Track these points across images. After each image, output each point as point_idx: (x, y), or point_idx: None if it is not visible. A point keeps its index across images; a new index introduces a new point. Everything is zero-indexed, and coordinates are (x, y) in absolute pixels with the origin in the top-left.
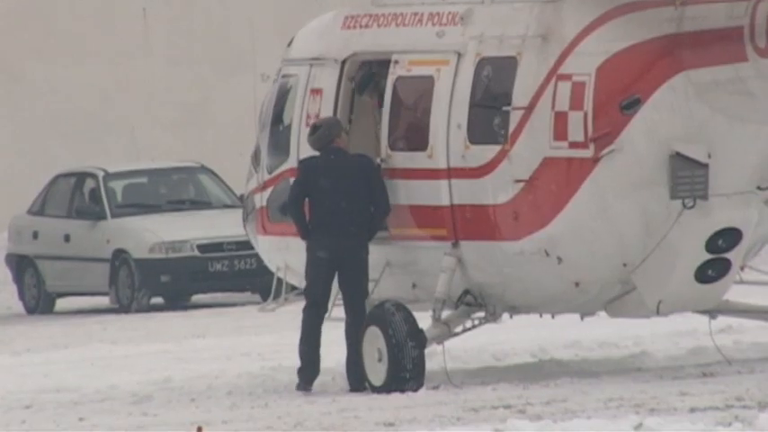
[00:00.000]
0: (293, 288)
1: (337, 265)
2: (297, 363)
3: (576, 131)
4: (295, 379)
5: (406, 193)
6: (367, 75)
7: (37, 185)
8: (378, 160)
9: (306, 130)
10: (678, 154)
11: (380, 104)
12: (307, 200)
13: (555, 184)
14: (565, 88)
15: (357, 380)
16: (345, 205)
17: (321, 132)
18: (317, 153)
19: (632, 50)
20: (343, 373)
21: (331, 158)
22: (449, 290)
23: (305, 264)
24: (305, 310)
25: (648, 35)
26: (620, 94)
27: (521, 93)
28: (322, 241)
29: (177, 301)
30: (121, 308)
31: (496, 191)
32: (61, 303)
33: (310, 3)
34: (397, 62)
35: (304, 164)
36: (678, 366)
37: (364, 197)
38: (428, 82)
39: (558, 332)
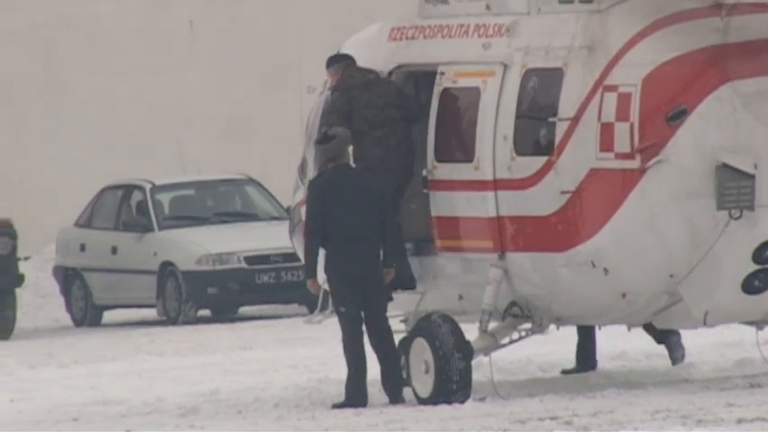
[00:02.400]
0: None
1: (359, 283)
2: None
3: (622, 142)
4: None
5: (453, 205)
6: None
7: (84, 198)
8: (423, 172)
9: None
10: (725, 165)
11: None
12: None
13: (601, 195)
14: (611, 99)
15: (394, 393)
16: (362, 223)
17: (335, 144)
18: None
19: (678, 61)
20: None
21: (343, 176)
22: (495, 301)
23: (329, 282)
24: (343, 328)
25: (694, 46)
26: (666, 105)
27: (567, 104)
28: (344, 262)
29: (224, 313)
30: (168, 320)
31: (543, 202)
32: (108, 315)
33: (357, 14)
34: (443, 74)
35: (317, 184)
36: (725, 377)
37: (377, 214)
38: (474, 93)
39: (604, 343)
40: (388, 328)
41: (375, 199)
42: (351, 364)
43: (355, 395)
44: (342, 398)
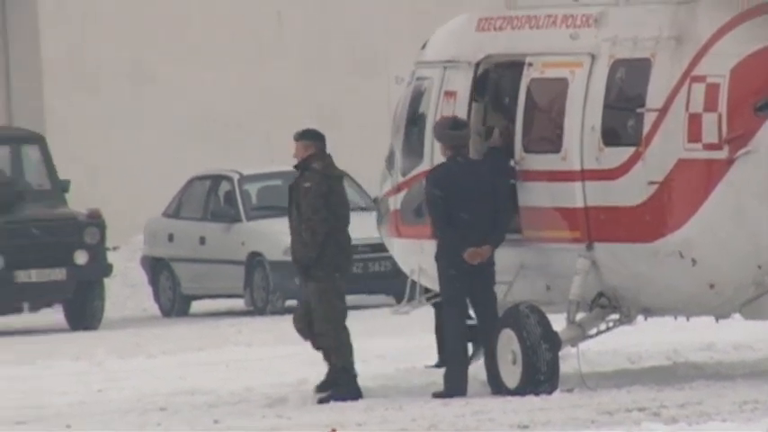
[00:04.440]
0: (427, 291)
1: (470, 273)
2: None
3: (710, 133)
4: (428, 381)
5: (540, 195)
6: (483, 76)
7: (172, 188)
8: (511, 162)
9: None
10: None
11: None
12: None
13: (689, 185)
14: (699, 90)
15: (497, 384)
16: (477, 212)
17: (466, 133)
18: (447, 154)
19: (766, 52)
20: (476, 375)
21: (462, 164)
22: (583, 292)
23: (439, 271)
24: (448, 317)
25: None
26: (755, 96)
27: (655, 94)
28: (457, 251)
29: None
30: (256, 310)
31: (630, 192)
32: (196, 306)
33: (445, 5)
34: (530, 64)
35: (438, 174)
36: None
37: (491, 203)
38: (562, 84)
39: (692, 334)
40: (496, 314)
41: (491, 188)
42: (452, 354)
43: (455, 385)
44: (435, 387)
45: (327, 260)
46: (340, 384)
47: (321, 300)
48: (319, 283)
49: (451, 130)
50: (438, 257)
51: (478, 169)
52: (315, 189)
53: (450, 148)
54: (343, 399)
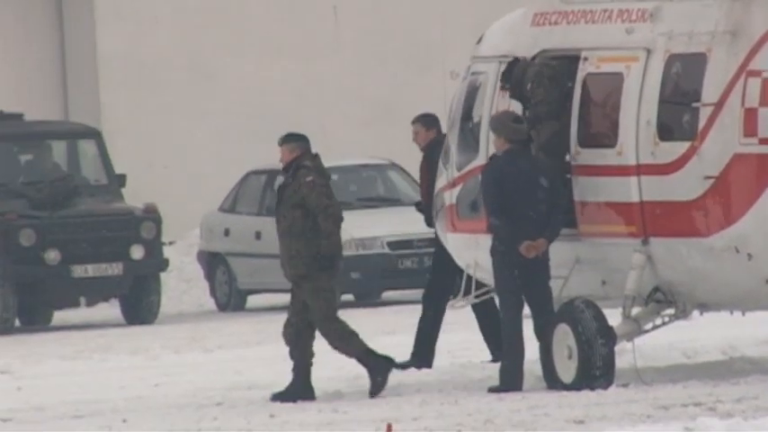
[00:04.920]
0: (483, 285)
1: (525, 267)
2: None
3: (765, 127)
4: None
5: (596, 190)
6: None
7: (228, 183)
8: (566, 157)
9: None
10: None
11: (514, 96)
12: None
13: (745, 180)
14: (755, 84)
15: (553, 378)
16: (533, 205)
17: (526, 126)
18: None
19: None
20: (531, 370)
21: (519, 156)
22: (639, 287)
23: (494, 265)
24: (505, 311)
25: None
26: None
27: (710, 89)
28: (515, 243)
29: (367, 297)
30: None
31: (686, 187)
32: (252, 300)
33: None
34: (586, 59)
35: (495, 165)
36: None
37: (547, 195)
38: (617, 79)
39: (748, 329)
40: (552, 309)
41: (547, 180)
42: (509, 348)
43: (511, 379)
44: (491, 382)
45: (320, 259)
46: (375, 368)
47: (318, 298)
48: (316, 282)
49: (514, 123)
50: (493, 251)
51: (535, 163)
52: (319, 181)
53: (509, 142)
54: (382, 375)
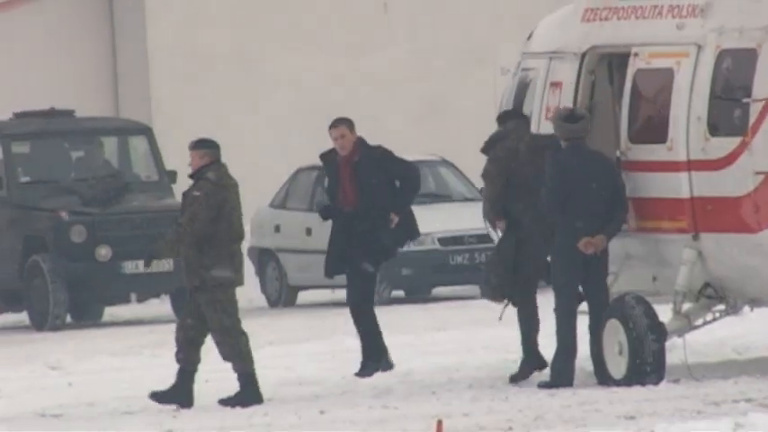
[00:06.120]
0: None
1: (583, 263)
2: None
3: None
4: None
5: (646, 186)
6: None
7: (279, 179)
8: (617, 153)
9: (546, 124)
10: None
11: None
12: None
13: None
14: None
15: (604, 374)
16: (594, 201)
17: (584, 124)
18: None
19: None
20: (582, 366)
21: (581, 152)
22: (689, 282)
23: (552, 258)
24: (559, 306)
25: None
26: None
27: (761, 84)
28: (573, 239)
29: (418, 293)
30: None
31: (736, 183)
32: (303, 296)
33: None
34: (636, 55)
35: (557, 160)
36: None
37: (609, 191)
38: (668, 74)
39: None
40: (608, 305)
41: (608, 177)
42: (562, 343)
43: (562, 374)
44: (541, 378)
45: (220, 271)
46: (245, 391)
47: (216, 310)
48: (212, 294)
49: (565, 122)
50: (552, 246)
51: (597, 159)
52: (204, 199)
53: (565, 140)
54: (247, 404)
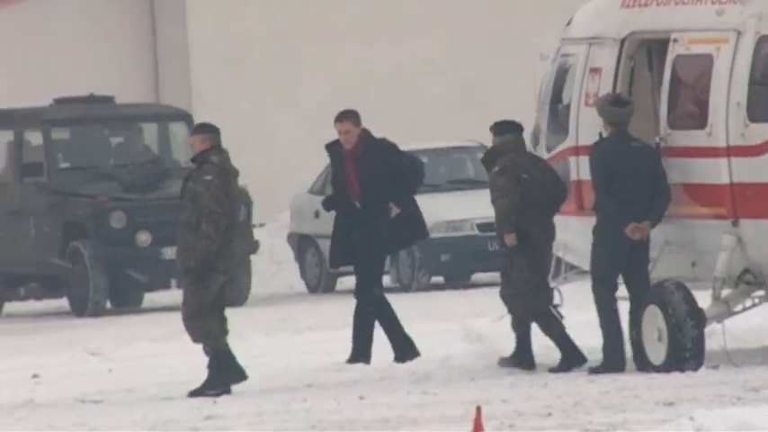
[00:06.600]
0: (572, 267)
1: (628, 248)
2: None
3: None
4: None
5: (686, 172)
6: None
7: (318, 165)
8: (656, 139)
9: (585, 110)
10: None
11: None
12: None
13: None
14: None
15: (643, 360)
16: (638, 188)
17: (630, 109)
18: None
19: None
20: None
21: (625, 139)
22: (729, 268)
23: (595, 245)
24: (600, 293)
25: None
26: None
27: None
28: (617, 225)
29: (457, 280)
30: (401, 287)
31: None
32: (343, 282)
33: None
34: (676, 41)
35: (602, 148)
36: None
37: (652, 179)
38: (707, 60)
39: None
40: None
41: (652, 164)
42: (606, 330)
43: (613, 360)
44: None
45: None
46: (220, 369)
47: (195, 294)
48: (194, 276)
49: (612, 106)
50: (596, 230)
51: (642, 146)
52: (216, 182)
53: (610, 125)
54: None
